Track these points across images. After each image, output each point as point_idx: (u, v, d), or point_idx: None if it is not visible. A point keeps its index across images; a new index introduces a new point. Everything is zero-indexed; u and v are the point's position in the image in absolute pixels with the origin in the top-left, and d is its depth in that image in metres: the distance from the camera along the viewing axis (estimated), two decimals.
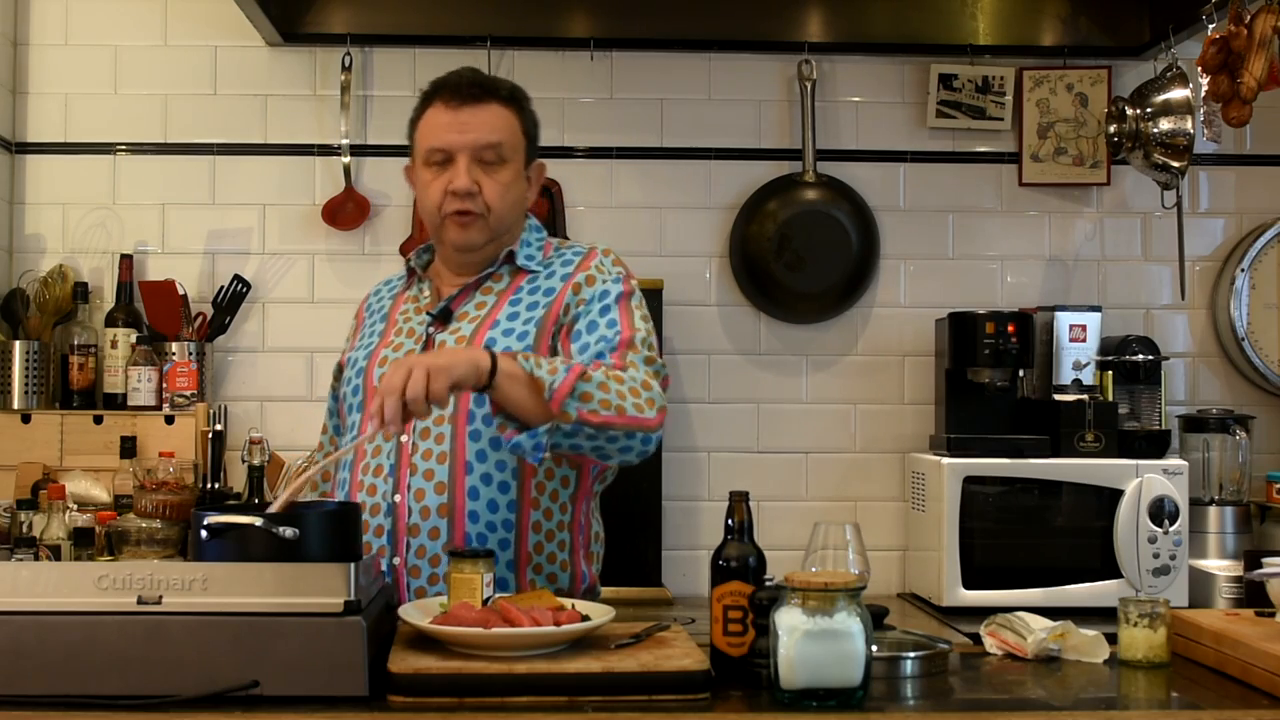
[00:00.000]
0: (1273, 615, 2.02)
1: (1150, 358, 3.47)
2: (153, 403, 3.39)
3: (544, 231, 2.35)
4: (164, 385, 3.40)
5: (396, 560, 2.14)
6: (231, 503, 3.06)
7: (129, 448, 3.21)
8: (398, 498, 2.13)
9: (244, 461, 3.26)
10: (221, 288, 3.55)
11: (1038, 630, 1.99)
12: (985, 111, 3.69)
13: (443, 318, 2.24)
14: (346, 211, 3.60)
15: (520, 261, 2.27)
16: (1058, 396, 3.40)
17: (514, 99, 2.29)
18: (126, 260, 3.53)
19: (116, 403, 3.43)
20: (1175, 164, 3.38)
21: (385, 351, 2.25)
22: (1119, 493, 3.24)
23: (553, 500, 2.21)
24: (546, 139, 3.61)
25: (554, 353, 2.18)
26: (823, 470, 3.66)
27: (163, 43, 3.64)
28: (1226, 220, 3.75)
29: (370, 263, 3.62)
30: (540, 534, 2.19)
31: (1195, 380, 3.72)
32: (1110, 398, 3.39)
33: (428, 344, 2.22)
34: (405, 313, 2.31)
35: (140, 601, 1.66)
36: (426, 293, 2.31)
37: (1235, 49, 2.93)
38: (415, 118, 2.30)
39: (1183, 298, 3.59)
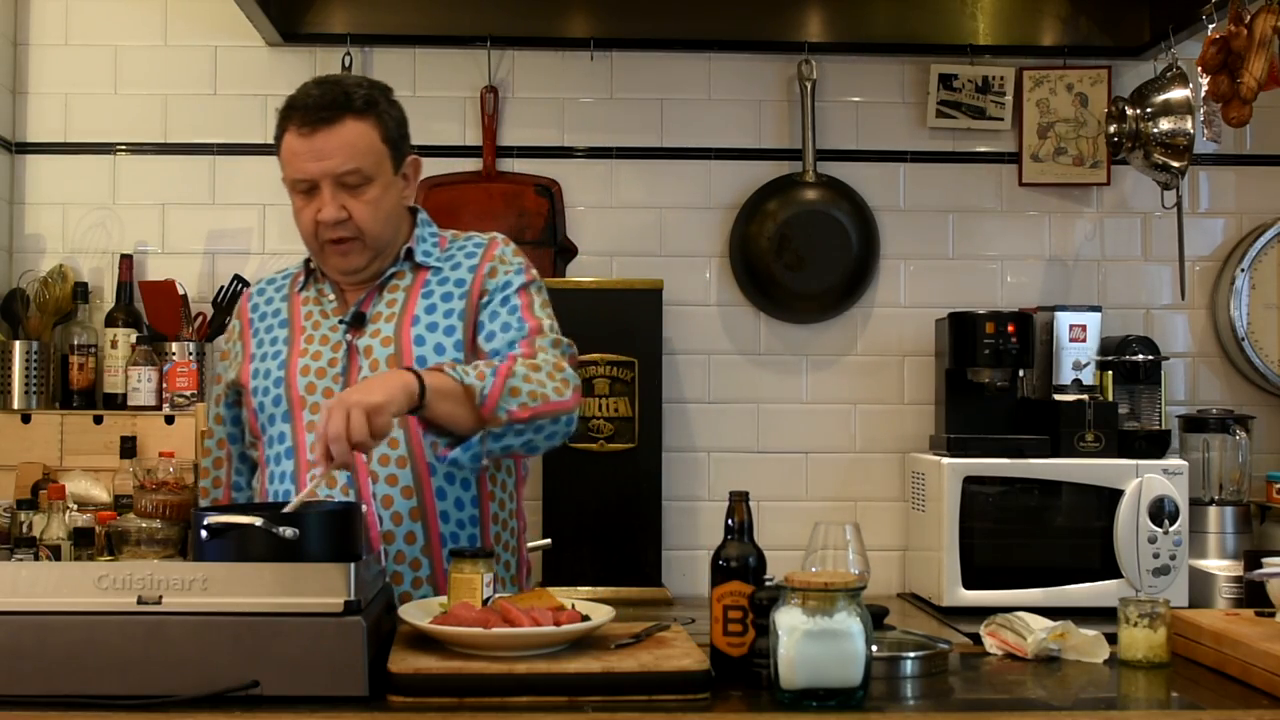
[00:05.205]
0: (1273, 615, 2.02)
1: (1150, 358, 3.47)
2: (153, 403, 3.39)
3: (435, 226, 2.31)
4: (164, 385, 3.39)
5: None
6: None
7: (129, 448, 3.21)
8: (364, 507, 2.09)
9: None
10: (221, 288, 3.54)
11: (1038, 630, 1.99)
12: (985, 111, 3.69)
13: (356, 322, 2.20)
14: None
15: (419, 259, 2.23)
16: (1058, 396, 3.40)
17: (370, 106, 2.15)
18: (126, 260, 3.53)
19: (116, 403, 3.43)
20: (1175, 164, 3.38)
21: (305, 361, 2.20)
22: (1119, 493, 3.24)
23: (503, 490, 2.25)
24: (546, 139, 3.67)
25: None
26: (823, 470, 3.66)
27: (163, 43, 3.64)
28: (1226, 220, 3.75)
29: None
30: (498, 524, 2.23)
31: (1195, 380, 3.72)
32: (1110, 398, 3.39)
33: (350, 351, 2.18)
34: (311, 316, 2.25)
35: (140, 601, 1.66)
36: (330, 295, 2.26)
37: (1235, 49, 2.93)
38: (276, 139, 2.19)
39: (1183, 298, 3.59)
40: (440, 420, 2.02)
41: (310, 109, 2.13)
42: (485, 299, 2.20)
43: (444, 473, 2.16)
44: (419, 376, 1.96)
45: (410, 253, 2.23)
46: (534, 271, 2.27)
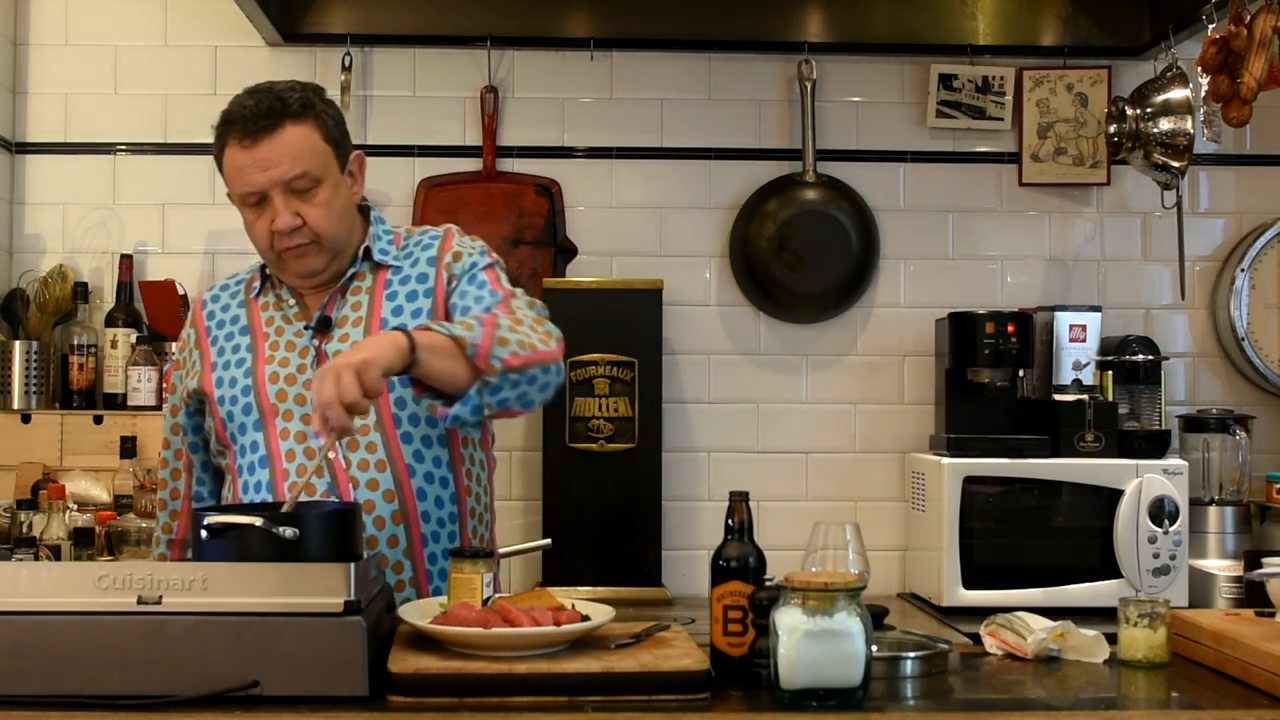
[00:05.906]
0: (1273, 615, 2.02)
1: (1150, 358, 3.47)
2: (153, 403, 3.39)
3: (387, 222, 2.28)
4: (164, 385, 3.39)
5: None
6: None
7: (129, 448, 3.21)
8: None
9: None
10: None
11: (1038, 630, 1.99)
12: (985, 111, 3.69)
13: (322, 327, 2.17)
14: None
15: (377, 257, 2.21)
16: (1058, 396, 3.40)
17: (307, 109, 2.13)
18: (126, 260, 3.53)
19: (116, 403, 3.43)
20: (1175, 164, 3.38)
21: (273, 368, 2.16)
22: (1119, 493, 3.24)
23: (478, 485, 2.24)
24: (546, 139, 3.67)
25: None
26: (823, 470, 3.66)
27: (163, 43, 3.64)
28: (1226, 220, 3.75)
29: None
30: (474, 519, 2.23)
31: (1195, 380, 3.72)
32: (1110, 398, 3.39)
33: (319, 357, 2.15)
34: (273, 323, 2.21)
35: (140, 601, 1.66)
36: (290, 301, 2.21)
37: (1235, 49, 2.93)
38: (217, 155, 2.17)
39: (1183, 298, 3.59)
40: (433, 378, 1.98)
41: (248, 120, 2.11)
42: (453, 284, 2.18)
43: (423, 473, 2.14)
44: (408, 334, 1.94)
45: (368, 252, 2.21)
46: (495, 255, 2.26)
